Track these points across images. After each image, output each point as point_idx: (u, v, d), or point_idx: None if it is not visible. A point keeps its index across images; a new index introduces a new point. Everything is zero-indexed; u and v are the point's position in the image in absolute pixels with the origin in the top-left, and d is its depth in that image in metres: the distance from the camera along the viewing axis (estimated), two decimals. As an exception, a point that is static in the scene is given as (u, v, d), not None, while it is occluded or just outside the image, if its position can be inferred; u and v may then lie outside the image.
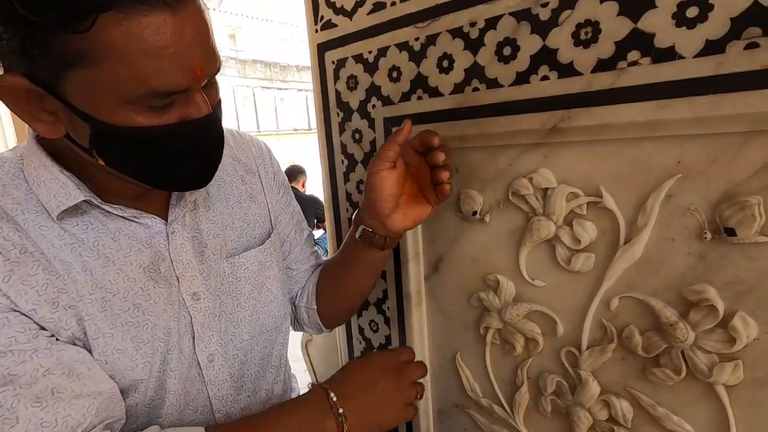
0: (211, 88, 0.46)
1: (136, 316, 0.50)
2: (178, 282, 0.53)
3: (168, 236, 0.53)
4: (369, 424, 0.52)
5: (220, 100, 0.48)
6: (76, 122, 0.41)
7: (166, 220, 0.54)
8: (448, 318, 0.67)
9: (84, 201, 0.47)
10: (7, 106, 0.41)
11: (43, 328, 0.45)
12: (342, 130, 0.73)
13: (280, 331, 0.65)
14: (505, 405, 0.63)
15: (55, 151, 0.48)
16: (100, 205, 0.48)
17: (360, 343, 0.83)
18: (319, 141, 0.78)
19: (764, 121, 0.37)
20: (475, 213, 0.59)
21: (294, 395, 0.74)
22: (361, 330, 0.82)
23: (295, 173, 3.58)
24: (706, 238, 0.42)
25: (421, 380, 0.58)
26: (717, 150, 0.41)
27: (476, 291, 0.62)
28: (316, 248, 0.76)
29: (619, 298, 0.49)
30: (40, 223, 0.46)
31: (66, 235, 0.47)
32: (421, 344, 0.71)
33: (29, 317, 0.44)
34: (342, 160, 0.75)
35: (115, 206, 0.50)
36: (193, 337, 0.54)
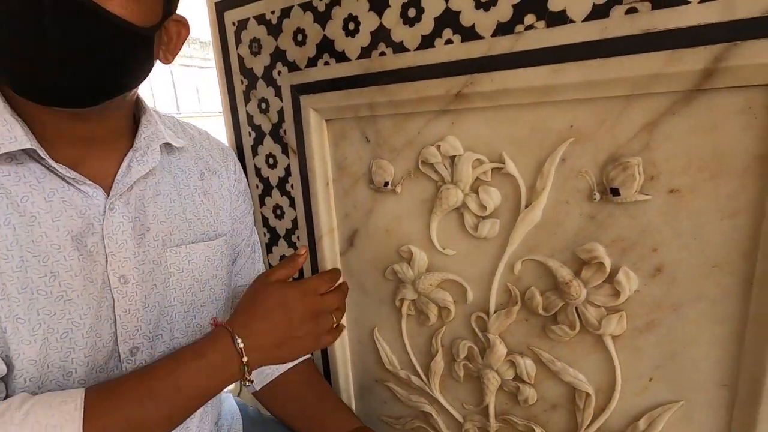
0: None
1: (51, 285, 0.45)
2: (106, 261, 0.49)
3: (105, 211, 0.49)
4: (281, 357, 0.50)
5: (107, 11, 0.40)
6: None
7: (108, 193, 0.50)
8: (365, 293, 0.66)
9: (28, 149, 0.44)
10: None
11: None
12: (247, 100, 0.67)
13: None
14: (422, 374, 0.63)
15: (9, 93, 0.45)
16: (43, 157, 0.45)
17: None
18: (224, 112, 0.71)
19: (643, 85, 0.39)
20: (387, 184, 0.57)
21: (224, 406, 0.71)
22: (278, 312, 0.78)
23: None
24: (595, 198, 0.44)
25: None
26: (603, 114, 0.42)
27: (391, 264, 0.61)
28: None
29: (521, 261, 0.50)
30: None
31: None
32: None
33: None
34: (249, 133, 0.69)
35: (59, 164, 0.46)
36: (115, 323, 0.49)
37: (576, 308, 0.47)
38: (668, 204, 0.41)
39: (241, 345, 0.46)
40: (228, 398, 0.75)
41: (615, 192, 0.43)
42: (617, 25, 0.39)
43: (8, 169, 0.44)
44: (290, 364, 0.69)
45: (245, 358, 0.46)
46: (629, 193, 0.42)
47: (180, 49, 0.53)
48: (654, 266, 0.43)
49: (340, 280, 0.58)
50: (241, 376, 0.47)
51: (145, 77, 0.49)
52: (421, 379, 0.64)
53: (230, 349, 0.46)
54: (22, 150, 0.44)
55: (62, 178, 0.47)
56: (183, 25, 0.51)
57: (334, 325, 0.54)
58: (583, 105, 0.43)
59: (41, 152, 0.44)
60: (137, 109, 0.56)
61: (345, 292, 0.57)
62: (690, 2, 0.36)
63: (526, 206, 0.48)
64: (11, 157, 0.44)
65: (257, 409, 0.76)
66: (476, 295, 0.55)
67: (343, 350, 0.71)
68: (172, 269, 0.55)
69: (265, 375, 0.68)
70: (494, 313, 0.54)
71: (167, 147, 0.57)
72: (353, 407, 0.74)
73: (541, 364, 0.52)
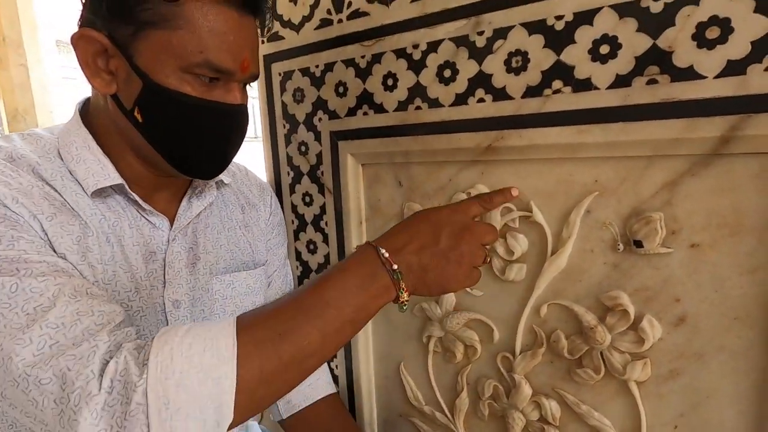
0: (245, 92, 0.54)
1: (133, 300, 0.52)
2: (164, 286, 0.54)
3: (168, 241, 0.55)
4: (429, 284, 0.44)
5: (247, 107, 0.54)
6: (132, 81, 0.47)
7: (171, 225, 0.56)
8: (394, 328, 0.69)
9: (117, 185, 0.51)
10: (77, 56, 0.47)
11: None
12: (288, 142, 0.73)
13: None
14: (447, 411, 0.65)
15: (97, 134, 0.52)
16: (128, 191, 0.52)
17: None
18: (265, 152, 0.77)
19: (663, 147, 0.43)
20: (418, 225, 0.61)
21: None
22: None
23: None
24: (619, 249, 0.47)
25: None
26: (626, 171, 0.46)
27: (419, 301, 0.64)
28: None
29: (547, 305, 0.53)
30: (77, 191, 0.50)
31: (96, 209, 0.51)
32: (367, 357, 0.72)
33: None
34: (288, 172, 0.74)
35: (138, 196, 0.53)
36: None
37: (601, 353, 0.49)
38: (689, 257, 0.44)
39: (386, 254, 0.42)
40: (253, 426, 0.78)
41: (638, 244, 0.45)
42: (639, 93, 0.43)
43: (102, 200, 0.52)
44: (318, 396, 0.71)
45: (395, 266, 0.42)
46: (652, 246, 0.45)
47: None
48: (677, 316, 0.45)
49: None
50: (395, 290, 0.42)
51: None
52: (446, 416, 0.65)
53: (375, 260, 0.43)
54: (111, 185, 0.51)
55: (138, 210, 0.54)
56: None
57: (487, 260, 0.48)
58: (606, 162, 0.47)
59: (126, 187, 0.52)
60: None
61: (497, 232, 0.49)
62: (706, 77, 0.39)
63: (552, 253, 0.51)
64: (102, 192, 0.51)
65: (281, 438, 0.77)
66: (502, 336, 0.57)
67: (368, 384, 0.73)
68: (217, 296, 0.60)
69: (292, 405, 0.71)
70: (520, 353, 0.56)
71: (221, 183, 0.63)
72: (376, 441, 0.75)
73: (566, 406, 0.54)
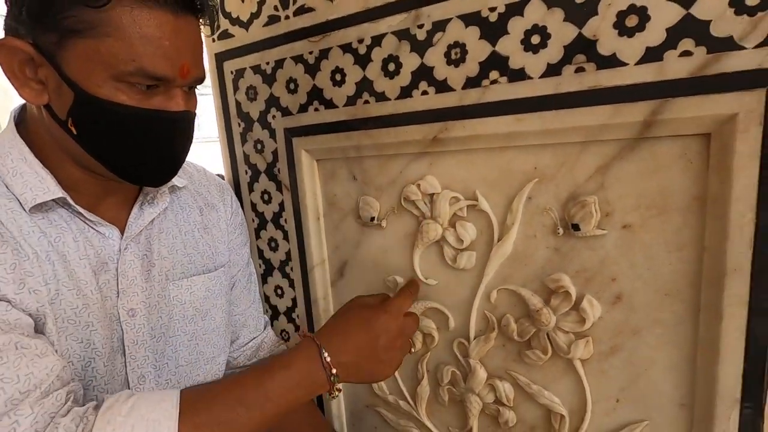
0: (191, 96, 0.51)
1: (80, 316, 0.50)
2: (118, 296, 0.53)
3: (120, 250, 0.54)
4: (360, 377, 0.51)
5: (195, 113, 0.52)
6: (63, 91, 0.44)
7: (122, 233, 0.54)
8: (355, 321, 0.69)
9: (59, 198, 0.49)
10: (2, 67, 0.45)
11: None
12: (244, 141, 0.73)
13: (216, 362, 0.64)
14: (409, 399, 0.66)
15: (34, 144, 0.50)
16: (71, 204, 0.50)
17: (273, 353, 0.82)
18: (222, 152, 0.76)
19: (594, 133, 0.44)
20: (373, 219, 0.62)
21: None
22: (273, 340, 0.81)
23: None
24: (559, 233, 0.49)
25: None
26: (563, 157, 0.47)
27: (379, 293, 0.65)
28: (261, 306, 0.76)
29: (497, 290, 0.54)
30: (13, 209, 0.47)
31: (35, 226, 0.48)
32: (332, 349, 0.72)
33: None
34: (246, 171, 0.74)
35: (83, 208, 0.51)
36: (124, 354, 0.53)
37: (547, 334, 0.51)
38: (622, 238, 0.45)
39: (328, 359, 0.48)
40: None
41: (576, 227, 0.47)
42: (569, 81, 0.44)
43: (42, 215, 0.49)
44: None
45: (333, 370, 0.48)
46: (588, 228, 0.46)
47: None
48: (614, 294, 0.47)
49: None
50: (329, 387, 0.48)
51: None
52: (409, 404, 0.66)
53: (316, 361, 0.48)
54: (53, 199, 0.49)
55: (84, 221, 0.52)
56: None
57: (412, 350, 0.54)
58: (544, 149, 0.48)
59: (69, 199, 0.50)
60: None
61: (418, 319, 0.57)
62: (628, 64, 0.41)
63: (499, 240, 0.53)
64: (42, 205, 0.49)
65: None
66: (457, 322, 0.59)
67: (334, 377, 0.74)
68: (175, 301, 0.58)
69: None
70: (474, 339, 0.57)
71: (174, 187, 0.61)
72: (345, 433, 0.76)
73: (519, 387, 0.55)
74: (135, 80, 0.44)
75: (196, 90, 0.53)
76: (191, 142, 0.53)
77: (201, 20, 0.50)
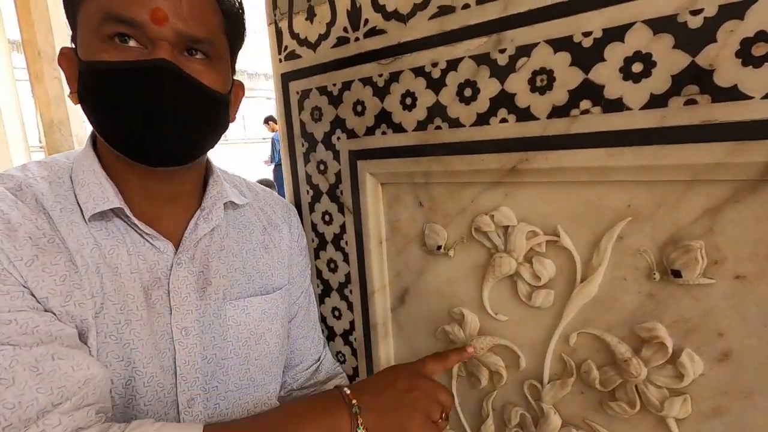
0: (192, 60, 0.49)
1: (122, 332, 0.50)
2: (171, 313, 0.53)
3: (172, 266, 0.54)
4: (387, 426, 0.49)
5: (205, 86, 0.50)
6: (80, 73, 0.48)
7: (177, 249, 0.55)
8: (415, 350, 0.67)
9: (117, 208, 0.50)
10: (64, 74, 0.51)
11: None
12: (307, 161, 0.72)
13: (267, 390, 0.63)
14: (472, 437, 0.63)
15: (103, 156, 0.53)
16: (128, 215, 0.51)
17: (327, 373, 0.81)
18: (284, 170, 0.76)
19: (703, 172, 0.40)
20: (439, 247, 0.59)
21: None
22: (328, 360, 0.81)
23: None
24: (655, 278, 0.44)
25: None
26: (662, 196, 0.43)
27: (442, 323, 0.62)
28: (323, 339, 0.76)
29: (577, 333, 0.50)
30: (73, 220, 0.50)
31: (90, 237, 0.50)
32: (389, 375, 0.71)
33: (40, 303, 0.45)
34: (307, 191, 0.74)
35: (139, 221, 0.52)
36: (176, 374, 0.53)
37: (636, 386, 0.47)
38: (734, 289, 0.40)
39: (347, 392, 0.50)
40: None
41: (676, 273, 0.43)
42: (676, 114, 0.40)
43: (100, 225, 0.51)
44: None
45: (354, 401, 0.49)
46: (691, 276, 0.42)
47: (239, 106, 0.61)
48: (720, 351, 0.42)
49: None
50: (351, 426, 0.48)
51: (222, 135, 0.57)
52: (471, 441, 0.63)
53: (337, 397, 0.50)
54: (111, 209, 0.50)
55: (140, 234, 0.53)
56: (240, 87, 0.61)
57: (441, 417, 0.52)
58: (640, 186, 0.44)
59: (127, 210, 0.51)
60: (207, 171, 0.61)
61: (452, 397, 0.56)
62: (753, 97, 0.36)
63: (582, 280, 0.49)
64: (103, 215, 0.51)
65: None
66: (529, 363, 0.55)
67: (391, 404, 0.72)
68: (230, 322, 0.58)
69: None
70: (548, 382, 0.53)
71: (232, 205, 0.62)
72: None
73: (599, 439, 0.51)
74: (107, 30, 0.45)
75: (218, 68, 0.51)
76: (192, 105, 0.49)
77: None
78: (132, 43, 0.46)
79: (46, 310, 0.45)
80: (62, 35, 3.53)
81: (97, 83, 0.47)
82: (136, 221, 0.52)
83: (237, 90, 0.59)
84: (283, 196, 0.76)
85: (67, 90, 0.51)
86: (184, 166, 0.53)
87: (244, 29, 0.58)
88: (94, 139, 0.55)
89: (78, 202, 0.50)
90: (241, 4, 0.55)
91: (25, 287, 0.44)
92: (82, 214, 0.50)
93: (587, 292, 0.48)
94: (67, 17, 0.50)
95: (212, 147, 0.57)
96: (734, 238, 0.40)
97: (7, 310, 0.42)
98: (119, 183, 0.52)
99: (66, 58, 0.50)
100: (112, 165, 0.52)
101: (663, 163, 0.41)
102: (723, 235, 0.40)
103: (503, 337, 0.57)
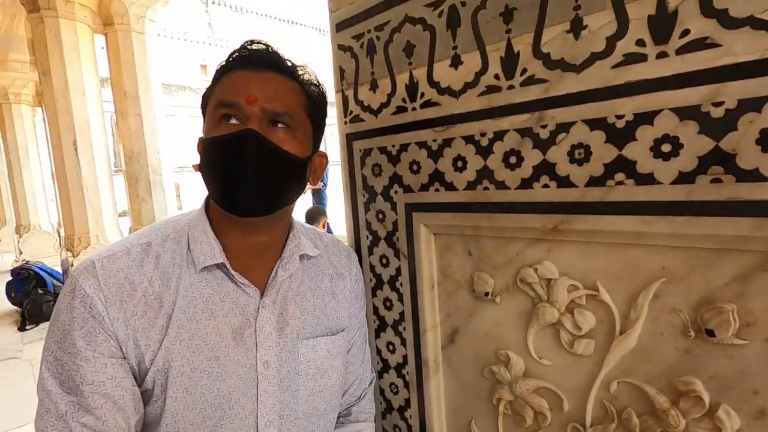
0: (276, 130, 0.62)
1: (212, 367, 0.61)
2: (256, 349, 0.63)
3: (259, 308, 0.64)
4: None
5: (283, 150, 0.62)
6: None
7: (262, 293, 0.66)
8: (464, 386, 0.73)
9: (220, 263, 0.62)
10: None
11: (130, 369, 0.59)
12: (367, 210, 0.82)
13: (328, 419, 0.72)
14: (518, 473, 0.67)
15: (213, 218, 0.66)
16: (228, 268, 0.63)
17: (381, 403, 0.88)
18: (347, 218, 0.86)
19: (732, 242, 0.44)
20: (487, 294, 0.66)
21: None
22: (382, 391, 0.87)
23: (315, 215, 3.69)
24: (690, 335, 0.48)
25: None
26: (694, 261, 0.47)
27: (489, 363, 0.68)
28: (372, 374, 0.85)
29: (617, 382, 0.54)
30: (185, 272, 0.62)
31: (197, 285, 0.62)
32: (439, 409, 0.76)
33: (133, 355, 0.58)
34: (367, 236, 0.83)
35: (237, 273, 0.63)
36: (257, 400, 0.63)
37: (675, 437, 0.50)
38: (766, 351, 0.44)
39: None
40: None
41: (710, 333, 0.46)
42: (703, 190, 0.44)
43: (203, 276, 0.63)
44: None
45: None
46: (725, 336, 0.45)
47: (322, 174, 0.73)
48: (756, 408, 0.45)
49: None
50: None
51: (301, 194, 0.69)
52: (517, 478, 0.67)
53: None
54: (215, 264, 0.62)
55: (235, 283, 0.63)
56: (324, 157, 0.72)
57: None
58: (674, 250, 0.48)
59: (227, 264, 0.62)
60: (290, 226, 0.72)
61: None
62: (773, 180, 0.40)
63: (621, 332, 0.53)
64: (208, 267, 0.62)
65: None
66: (572, 406, 0.59)
67: (440, 436, 0.77)
68: (302, 358, 0.68)
69: None
70: (590, 426, 0.57)
71: (306, 256, 0.72)
72: (448, 492, 0.78)
73: (641, 485, 0.54)
74: (218, 113, 0.60)
75: (295, 133, 0.64)
76: (268, 166, 0.61)
77: (298, 84, 0.65)
78: (233, 120, 0.60)
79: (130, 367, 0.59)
80: (144, 77, 3.99)
81: (208, 152, 0.62)
82: (234, 273, 0.63)
83: (320, 158, 0.71)
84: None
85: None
86: (266, 217, 0.64)
87: (326, 110, 0.71)
88: (207, 203, 0.67)
89: (192, 257, 0.63)
90: (321, 90, 0.69)
91: (119, 346, 0.57)
92: (194, 265, 0.62)
93: (626, 344, 0.53)
94: (202, 115, 0.65)
95: (291, 202, 0.68)
96: (765, 303, 0.43)
97: (93, 373, 0.56)
98: (223, 237, 0.64)
99: (199, 142, 0.64)
100: (218, 221, 0.65)
101: (694, 232, 0.46)
102: (754, 300, 0.44)
103: (547, 380, 0.61)
